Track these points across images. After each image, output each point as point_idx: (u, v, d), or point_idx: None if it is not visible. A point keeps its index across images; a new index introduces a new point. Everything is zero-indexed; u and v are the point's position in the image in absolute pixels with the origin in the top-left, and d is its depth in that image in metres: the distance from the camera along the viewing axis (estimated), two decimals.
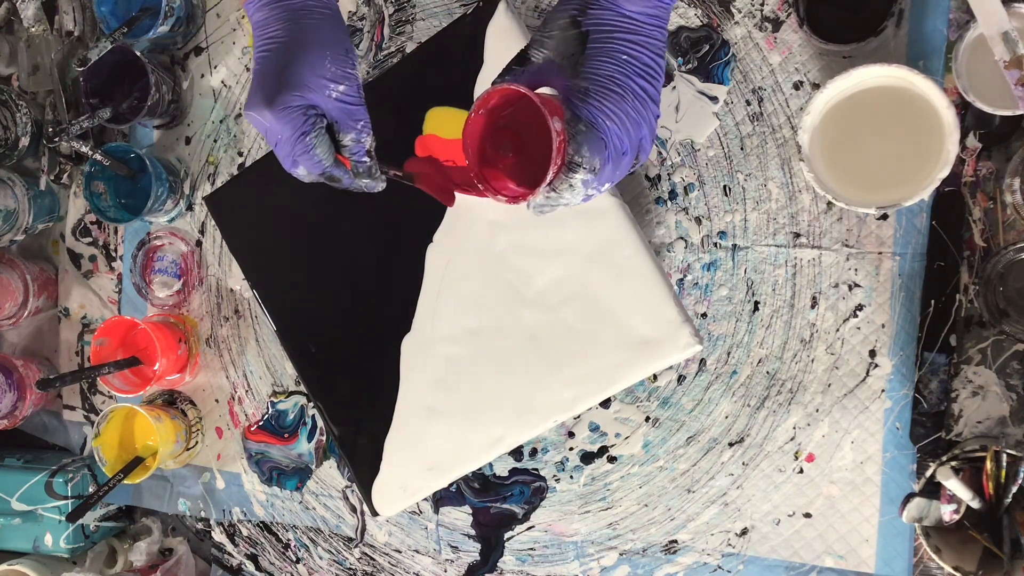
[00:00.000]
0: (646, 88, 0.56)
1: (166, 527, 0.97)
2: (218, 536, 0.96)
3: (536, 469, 0.84)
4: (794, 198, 0.78)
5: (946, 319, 0.74)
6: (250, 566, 0.95)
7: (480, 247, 0.74)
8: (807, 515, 0.78)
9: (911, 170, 0.70)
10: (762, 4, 0.78)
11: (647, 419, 0.82)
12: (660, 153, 0.81)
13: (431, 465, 0.76)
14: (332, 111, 0.61)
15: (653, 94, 0.56)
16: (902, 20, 0.74)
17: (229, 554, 0.96)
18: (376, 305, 0.78)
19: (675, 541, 0.81)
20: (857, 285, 0.77)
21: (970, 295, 0.74)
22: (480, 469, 0.84)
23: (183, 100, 0.94)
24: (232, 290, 0.93)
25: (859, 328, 0.77)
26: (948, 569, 0.70)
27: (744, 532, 0.80)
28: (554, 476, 0.84)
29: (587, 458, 0.83)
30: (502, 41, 0.74)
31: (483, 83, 0.75)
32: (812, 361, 0.78)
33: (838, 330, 0.77)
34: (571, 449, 0.83)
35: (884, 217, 0.76)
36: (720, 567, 0.80)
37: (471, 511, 0.86)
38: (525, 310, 0.73)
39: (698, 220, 0.80)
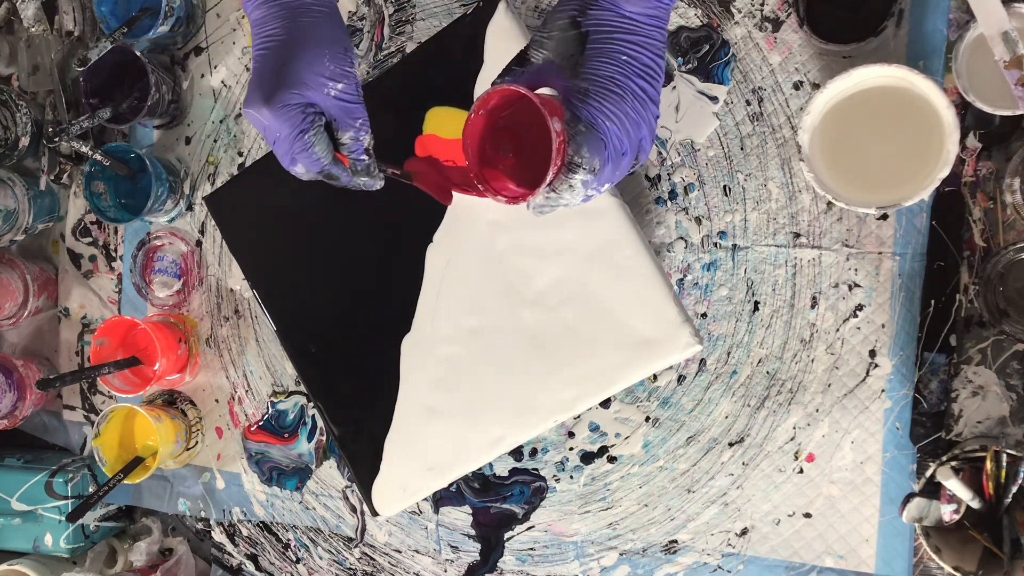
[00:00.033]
0: (646, 89, 0.56)
1: (166, 527, 0.97)
2: (218, 536, 0.96)
3: (536, 469, 0.84)
4: (794, 198, 0.78)
5: (946, 319, 0.74)
6: (250, 566, 0.95)
7: (480, 247, 0.74)
8: (807, 515, 0.78)
9: (911, 170, 0.70)
10: (762, 4, 0.78)
11: (647, 419, 0.82)
12: (660, 153, 0.81)
13: (431, 465, 0.76)
14: (330, 109, 0.61)
15: (653, 94, 0.56)
16: (902, 20, 0.74)
17: (229, 554, 0.96)
18: (376, 305, 0.78)
19: (675, 541, 0.81)
20: (857, 285, 0.77)
21: (970, 295, 0.74)
22: (480, 469, 0.84)
23: (183, 100, 0.94)
24: (232, 290, 0.93)
25: (859, 328, 0.76)
26: (948, 569, 0.70)
27: (744, 532, 0.80)
28: (554, 476, 0.84)
29: (587, 458, 0.83)
30: (502, 41, 0.74)
31: (483, 83, 0.75)
32: (812, 361, 0.78)
33: (838, 330, 0.77)
34: (571, 449, 0.83)
35: (884, 217, 0.76)
36: (720, 567, 0.80)
37: (471, 511, 0.86)
38: (525, 310, 0.73)
39: (698, 220, 0.80)
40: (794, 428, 0.78)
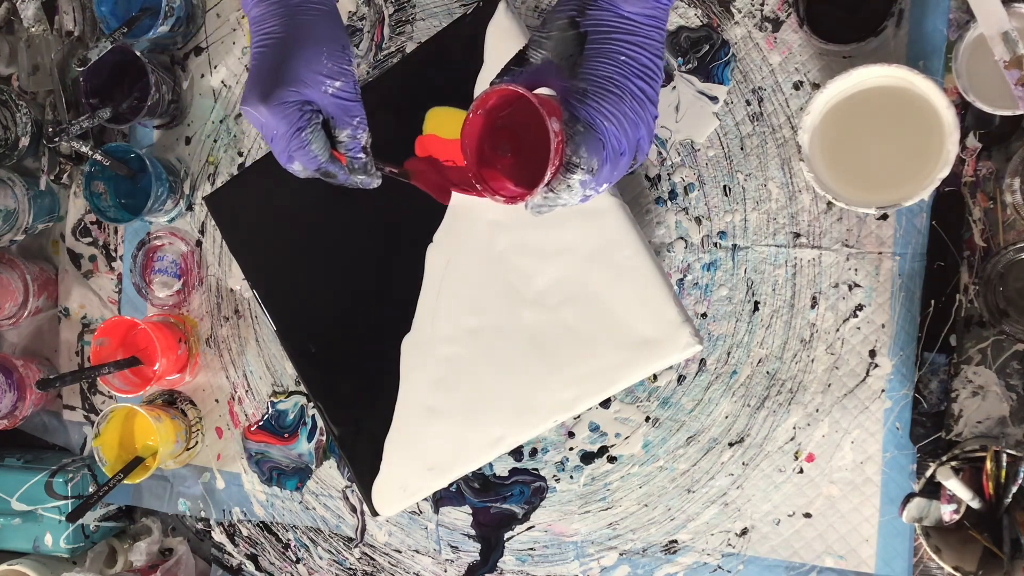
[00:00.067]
0: (644, 89, 0.56)
1: (166, 527, 0.98)
2: (218, 536, 0.96)
3: (536, 469, 0.84)
4: (794, 198, 0.78)
5: (946, 319, 0.74)
6: (250, 566, 0.95)
7: (480, 247, 0.74)
8: (807, 515, 0.78)
9: (911, 170, 0.70)
10: (762, 4, 0.78)
11: (647, 419, 0.82)
12: (660, 153, 0.81)
13: (431, 465, 0.76)
14: (328, 107, 0.61)
15: (651, 95, 0.56)
16: (902, 20, 0.74)
17: (229, 554, 0.96)
18: (376, 305, 0.78)
19: (675, 541, 0.81)
20: (857, 285, 0.76)
21: (970, 295, 0.74)
22: (480, 469, 0.84)
23: (183, 100, 0.94)
24: (232, 290, 0.93)
25: (859, 328, 0.76)
26: (948, 569, 0.69)
27: (744, 532, 0.80)
28: (554, 476, 0.84)
29: (587, 458, 0.83)
30: (502, 41, 0.74)
31: (483, 83, 0.75)
32: (812, 361, 0.78)
33: (838, 330, 0.77)
34: (571, 449, 0.83)
35: (884, 217, 0.76)
36: (720, 567, 0.80)
37: (471, 511, 0.86)
38: (525, 310, 0.73)
39: (698, 220, 0.80)
40: (794, 428, 0.78)
